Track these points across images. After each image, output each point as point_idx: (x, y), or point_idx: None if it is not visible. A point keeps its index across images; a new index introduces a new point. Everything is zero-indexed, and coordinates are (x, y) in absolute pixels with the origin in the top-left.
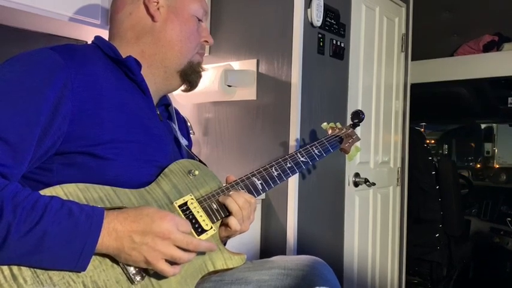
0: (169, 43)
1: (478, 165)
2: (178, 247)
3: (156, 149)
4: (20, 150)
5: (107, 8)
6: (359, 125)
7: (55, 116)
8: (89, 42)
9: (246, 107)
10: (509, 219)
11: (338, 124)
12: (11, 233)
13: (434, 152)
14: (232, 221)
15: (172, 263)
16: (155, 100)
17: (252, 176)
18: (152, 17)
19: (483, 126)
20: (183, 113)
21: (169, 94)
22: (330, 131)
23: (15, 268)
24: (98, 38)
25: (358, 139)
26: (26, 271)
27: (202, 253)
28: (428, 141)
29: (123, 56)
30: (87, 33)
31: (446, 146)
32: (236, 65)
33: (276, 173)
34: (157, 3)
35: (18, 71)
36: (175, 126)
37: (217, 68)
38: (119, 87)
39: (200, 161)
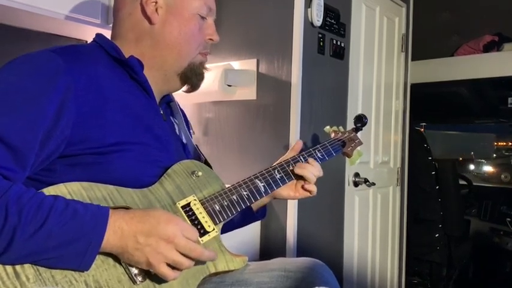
0: (168, 46)
1: None
2: (181, 253)
3: (160, 150)
4: (22, 154)
5: (107, 6)
6: (361, 129)
7: (58, 120)
8: (89, 41)
9: (246, 106)
10: (508, 219)
11: (341, 128)
12: (17, 236)
13: (509, 154)
14: (312, 187)
15: (173, 267)
16: (158, 99)
17: (255, 178)
18: (150, 20)
19: None
20: None
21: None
22: (332, 135)
23: (18, 266)
24: (99, 37)
25: (360, 143)
26: (29, 269)
27: None
28: (504, 143)
29: (126, 56)
30: (87, 33)
31: None
32: (236, 64)
33: (278, 176)
34: (156, 3)
35: (20, 75)
36: (178, 122)
37: (217, 68)
38: (122, 88)
39: (205, 159)
